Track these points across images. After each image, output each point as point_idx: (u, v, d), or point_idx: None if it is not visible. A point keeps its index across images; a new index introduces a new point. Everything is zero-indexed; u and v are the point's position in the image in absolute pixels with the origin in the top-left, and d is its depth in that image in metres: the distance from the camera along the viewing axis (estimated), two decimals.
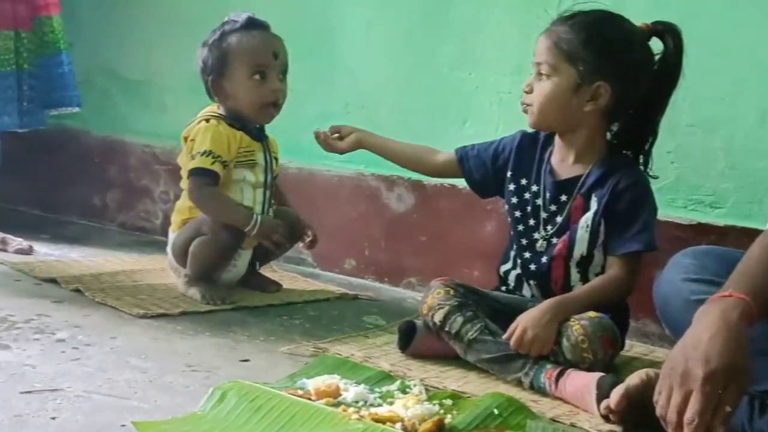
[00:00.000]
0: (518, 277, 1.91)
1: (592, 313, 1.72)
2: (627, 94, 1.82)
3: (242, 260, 2.24)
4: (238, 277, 2.26)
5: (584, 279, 1.85)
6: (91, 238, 2.64)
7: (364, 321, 2.09)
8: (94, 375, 1.54)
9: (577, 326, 1.69)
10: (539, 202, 1.89)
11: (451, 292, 1.77)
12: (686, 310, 1.49)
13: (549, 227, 1.87)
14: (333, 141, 2.06)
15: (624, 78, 1.80)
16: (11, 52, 2.49)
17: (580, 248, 1.84)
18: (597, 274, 1.84)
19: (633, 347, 1.98)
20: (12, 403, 1.37)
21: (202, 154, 2.12)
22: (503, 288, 1.94)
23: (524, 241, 1.90)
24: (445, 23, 2.43)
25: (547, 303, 1.75)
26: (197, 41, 2.24)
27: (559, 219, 1.86)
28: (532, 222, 1.89)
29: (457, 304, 1.75)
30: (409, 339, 1.82)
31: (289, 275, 2.46)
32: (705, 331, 1.22)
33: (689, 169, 2.10)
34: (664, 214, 2.05)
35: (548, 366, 1.66)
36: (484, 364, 1.72)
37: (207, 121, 2.17)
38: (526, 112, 1.86)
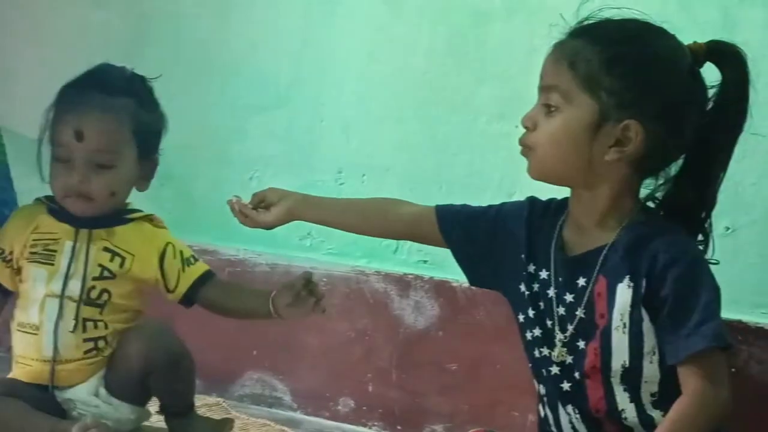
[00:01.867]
0: (551, 406, 1.85)
1: None
2: (666, 139, 1.71)
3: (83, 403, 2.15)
4: None
5: (636, 402, 1.74)
6: None
7: None
8: None
9: None
10: (551, 293, 1.82)
11: None
12: None
13: (569, 326, 1.80)
14: (252, 212, 1.97)
15: (663, 116, 1.70)
16: None
17: (620, 357, 1.73)
18: (653, 393, 1.72)
19: None
20: None
21: None
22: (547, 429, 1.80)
23: (544, 352, 1.82)
24: (480, 57, 2.42)
25: None
26: None
27: (579, 313, 1.78)
28: (549, 323, 1.82)
29: None
30: None
31: (257, 422, 2.36)
32: None
33: None
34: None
35: None
36: None
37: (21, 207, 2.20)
38: (526, 156, 1.78)
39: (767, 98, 1.95)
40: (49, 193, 2.18)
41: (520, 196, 2.19)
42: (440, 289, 2.39)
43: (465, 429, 1.85)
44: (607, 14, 1.76)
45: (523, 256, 1.85)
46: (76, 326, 2.16)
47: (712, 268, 1.76)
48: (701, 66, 1.74)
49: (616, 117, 1.70)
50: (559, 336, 1.81)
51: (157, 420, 2.24)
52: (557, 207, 1.86)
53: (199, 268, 2.22)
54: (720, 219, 2.08)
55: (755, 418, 1.97)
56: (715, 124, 1.75)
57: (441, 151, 2.41)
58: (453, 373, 2.32)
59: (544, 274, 1.82)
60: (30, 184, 2.27)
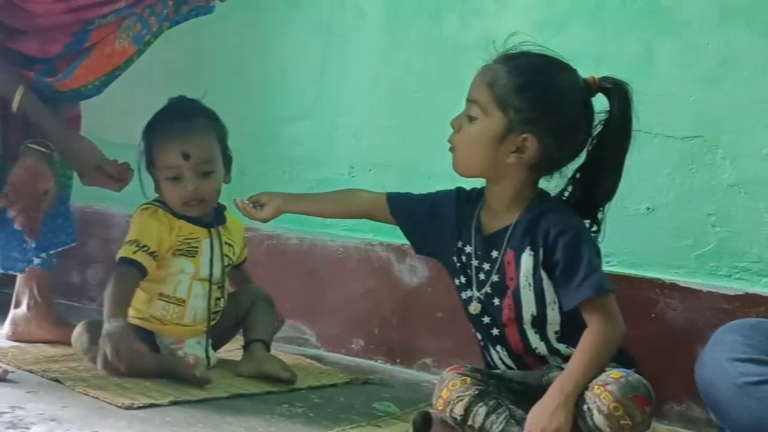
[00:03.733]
0: (486, 348, 1.92)
1: (615, 373, 1.69)
2: (555, 152, 1.81)
3: (192, 350, 2.24)
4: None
5: (545, 340, 1.84)
6: (70, 319, 2.62)
7: (374, 408, 2.06)
8: None
9: (605, 394, 1.66)
10: (474, 263, 1.90)
11: (468, 380, 1.76)
12: (735, 395, 1.47)
13: (488, 289, 1.87)
14: (252, 210, 2.08)
15: (555, 134, 1.79)
16: None
17: (529, 309, 1.83)
18: (557, 332, 1.83)
19: None
20: None
21: (127, 243, 2.19)
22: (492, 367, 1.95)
23: (469, 307, 1.91)
24: (459, 77, 2.42)
25: (549, 394, 1.72)
26: None
27: (495, 278, 1.86)
28: (475, 286, 1.90)
29: (478, 393, 1.73)
30: (425, 430, 1.78)
31: (290, 357, 2.43)
32: None
33: (733, 233, 2.10)
34: (705, 284, 2.09)
35: None
36: None
37: (145, 208, 2.24)
38: (452, 152, 1.88)
39: (676, 106, 1.97)
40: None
41: None
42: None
43: (449, 362, 1.87)
44: (528, 47, 1.83)
45: (453, 234, 1.94)
46: (209, 302, 2.29)
47: (622, 238, 2.03)
48: (593, 96, 1.84)
49: (518, 130, 1.80)
50: (476, 294, 1.89)
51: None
52: (477, 195, 1.96)
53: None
54: (642, 201, 2.23)
55: (669, 349, 2.04)
56: (604, 142, 1.84)
57: (430, 151, 2.44)
58: (439, 320, 2.38)
59: (468, 249, 1.91)
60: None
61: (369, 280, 2.52)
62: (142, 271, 2.16)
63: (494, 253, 1.87)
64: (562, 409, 1.67)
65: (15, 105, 2.08)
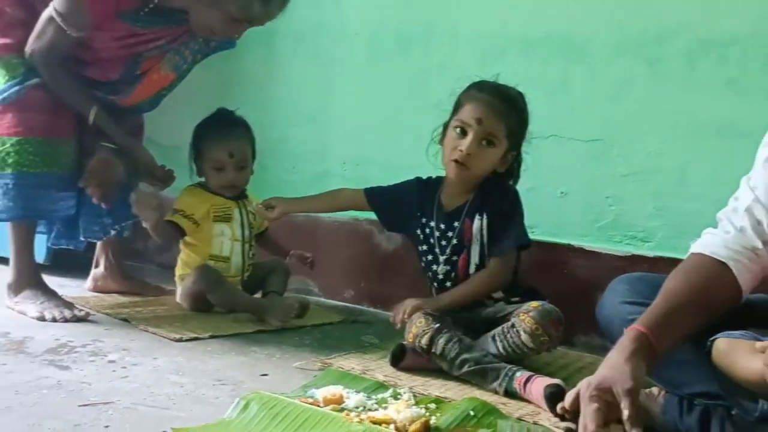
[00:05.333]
0: (437, 291, 1.96)
1: (534, 304, 1.75)
2: (516, 157, 1.92)
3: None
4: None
5: None
6: (135, 275, 2.65)
7: (362, 340, 2.08)
8: (139, 390, 1.54)
9: (528, 319, 1.72)
10: (436, 233, 1.93)
11: (430, 318, 1.77)
12: (624, 328, 1.51)
13: (448, 251, 1.91)
14: (265, 212, 2.10)
15: (519, 148, 1.91)
16: None
17: (474, 259, 1.89)
18: None
19: (583, 357, 1.99)
20: (71, 415, 1.37)
21: (172, 212, 2.26)
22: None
23: (434, 268, 1.93)
24: (424, 95, 2.44)
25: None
26: None
27: (454, 241, 1.90)
28: (437, 250, 1.93)
29: (437, 327, 1.75)
30: (400, 357, 1.81)
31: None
32: (613, 358, 1.28)
33: (625, 211, 2.12)
34: (604, 248, 2.11)
35: (518, 374, 1.66)
36: (467, 377, 1.72)
37: (187, 188, 2.31)
38: (458, 163, 1.85)
39: (584, 116, 2.01)
40: None
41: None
42: None
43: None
44: (503, 80, 1.90)
45: (417, 213, 1.98)
46: (245, 256, 2.32)
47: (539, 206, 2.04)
48: None
49: (511, 150, 1.90)
50: (441, 258, 1.92)
51: None
52: (435, 182, 2.00)
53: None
54: (558, 187, 2.25)
55: (578, 296, 2.02)
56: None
57: (402, 150, 2.48)
58: (408, 275, 2.30)
59: (431, 223, 1.95)
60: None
61: (356, 246, 2.52)
62: (180, 231, 2.25)
63: (456, 223, 1.91)
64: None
65: (90, 119, 2.10)
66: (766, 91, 1.60)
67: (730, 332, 1.29)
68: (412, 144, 2.46)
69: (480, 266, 1.90)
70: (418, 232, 1.97)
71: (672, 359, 1.42)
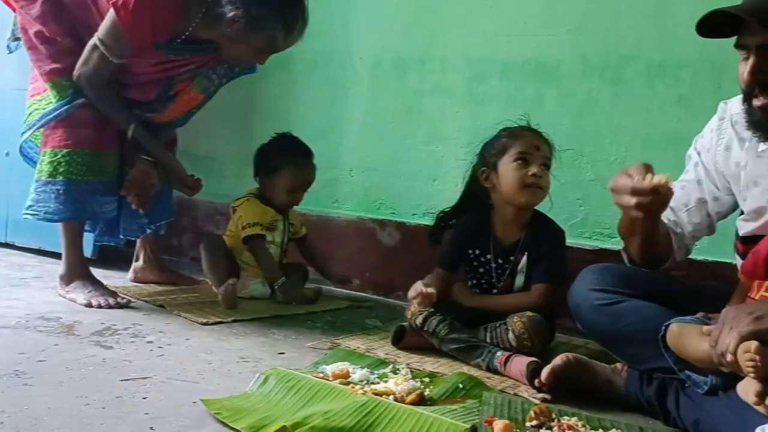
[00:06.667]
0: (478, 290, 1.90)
1: (530, 313, 1.70)
2: None
3: (262, 286, 2.27)
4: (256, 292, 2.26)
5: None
6: (171, 268, 2.63)
7: (366, 323, 2.06)
8: (173, 366, 1.53)
9: (519, 323, 1.68)
10: (493, 266, 1.86)
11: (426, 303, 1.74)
12: (592, 312, 1.49)
13: (503, 278, 1.85)
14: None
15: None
16: None
17: (518, 283, 1.84)
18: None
19: (557, 338, 1.95)
20: (114, 389, 1.36)
21: (249, 226, 2.22)
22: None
23: (484, 286, 1.87)
24: (419, 112, 2.43)
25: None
26: (249, 129, 2.27)
27: (508, 272, 1.84)
28: (493, 280, 1.86)
29: (432, 310, 1.73)
30: (400, 338, 1.79)
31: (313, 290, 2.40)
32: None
33: (593, 210, 2.10)
34: (575, 242, 2.07)
35: (499, 353, 1.64)
36: (454, 353, 1.70)
37: (247, 199, 2.28)
38: (532, 187, 1.78)
39: (557, 130, 1.99)
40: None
41: (438, 182, 2.39)
42: (400, 226, 2.44)
43: None
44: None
45: (476, 251, 1.87)
46: (279, 259, 2.33)
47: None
48: None
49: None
50: (497, 285, 1.85)
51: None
52: (481, 217, 1.88)
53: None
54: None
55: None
56: None
57: (400, 160, 2.47)
58: (407, 267, 2.30)
59: (488, 256, 1.86)
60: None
61: (362, 241, 2.49)
62: (263, 239, 2.25)
63: (511, 258, 1.84)
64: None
65: (130, 134, 2.08)
66: (714, 108, 1.59)
67: (682, 317, 1.31)
68: (408, 154, 2.48)
69: (523, 288, 1.84)
70: (475, 264, 1.88)
71: (634, 339, 1.42)
